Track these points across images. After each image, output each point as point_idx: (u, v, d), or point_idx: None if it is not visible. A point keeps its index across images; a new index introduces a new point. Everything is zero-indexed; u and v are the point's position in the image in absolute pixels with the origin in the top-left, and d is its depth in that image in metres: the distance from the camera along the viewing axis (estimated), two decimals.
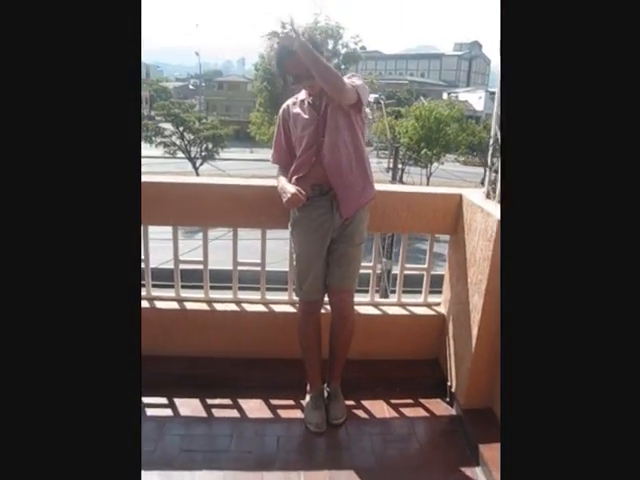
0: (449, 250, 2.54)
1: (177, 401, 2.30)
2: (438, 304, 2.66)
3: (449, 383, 2.41)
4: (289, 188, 2.08)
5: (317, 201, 2.09)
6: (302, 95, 2.12)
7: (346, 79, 1.98)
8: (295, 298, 2.38)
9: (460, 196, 2.41)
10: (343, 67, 23.28)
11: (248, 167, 29.68)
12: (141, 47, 1.06)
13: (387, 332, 2.58)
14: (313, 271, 2.13)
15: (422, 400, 2.39)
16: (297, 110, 2.12)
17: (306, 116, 2.09)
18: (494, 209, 2.08)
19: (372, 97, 16.71)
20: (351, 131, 2.06)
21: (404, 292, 2.70)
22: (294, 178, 2.12)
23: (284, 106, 2.16)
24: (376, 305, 2.64)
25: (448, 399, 2.39)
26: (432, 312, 2.61)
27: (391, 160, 12.67)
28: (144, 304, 2.54)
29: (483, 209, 2.13)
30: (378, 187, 2.37)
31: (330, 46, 22.88)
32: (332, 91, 1.92)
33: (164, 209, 2.39)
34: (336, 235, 2.12)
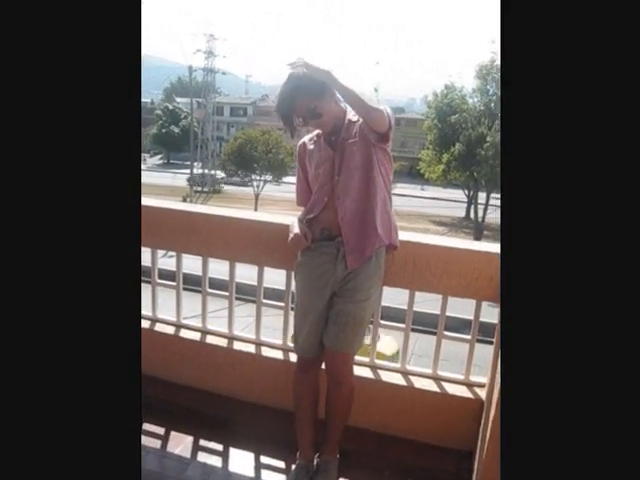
0: (499, 322, 2.08)
1: (172, 434, 2.22)
2: (482, 385, 2.19)
3: None
4: (295, 228, 1.92)
5: (322, 246, 1.87)
6: (318, 130, 1.93)
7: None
8: None
9: None
10: None
11: (420, 205, 29.52)
12: (140, 65, 1.04)
13: (413, 407, 2.19)
14: (308, 324, 1.91)
15: None
16: (312, 147, 1.94)
17: (320, 153, 1.90)
18: None
19: None
20: (370, 172, 1.82)
21: None
22: (305, 219, 1.94)
23: (300, 143, 2.00)
24: (405, 374, 2.27)
25: None
26: (469, 395, 2.16)
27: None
28: (170, 330, 2.55)
29: None
30: (410, 237, 2.06)
31: None
32: (362, 114, 1.75)
33: (191, 237, 2.38)
34: (338, 288, 1.87)
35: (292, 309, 2.09)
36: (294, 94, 1.75)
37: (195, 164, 33.76)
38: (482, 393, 2.15)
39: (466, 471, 2.04)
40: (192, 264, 2.77)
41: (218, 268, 2.59)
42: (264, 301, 2.41)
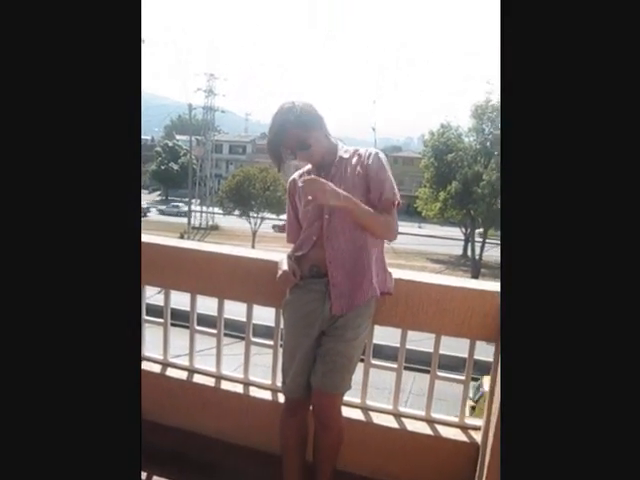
0: (493, 362, 2.03)
1: (155, 479, 2.13)
2: (477, 428, 2.12)
3: None
4: (284, 265, 1.88)
5: (311, 284, 1.84)
6: (309, 166, 1.92)
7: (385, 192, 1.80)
8: None
9: None
10: None
11: (417, 242, 29.40)
12: (140, 101, 1.04)
13: (405, 451, 2.11)
14: (295, 364, 1.85)
15: None
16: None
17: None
18: None
19: None
20: None
21: None
22: (294, 256, 1.91)
23: (290, 179, 1.98)
24: (397, 415, 2.19)
25: None
26: (464, 438, 2.08)
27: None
28: (157, 369, 2.48)
29: None
30: (402, 275, 2.03)
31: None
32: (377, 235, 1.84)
33: (180, 273, 2.35)
34: (326, 327, 1.82)
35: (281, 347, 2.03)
36: (285, 125, 1.75)
37: (193, 201, 33.93)
38: (478, 436, 2.08)
39: None
40: (183, 300, 2.72)
41: (209, 304, 2.53)
42: (255, 340, 2.35)
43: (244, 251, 2.43)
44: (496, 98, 22.03)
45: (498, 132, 22.37)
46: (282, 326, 2.04)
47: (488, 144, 22.85)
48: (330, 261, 1.79)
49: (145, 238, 2.46)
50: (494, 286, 1.99)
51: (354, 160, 1.84)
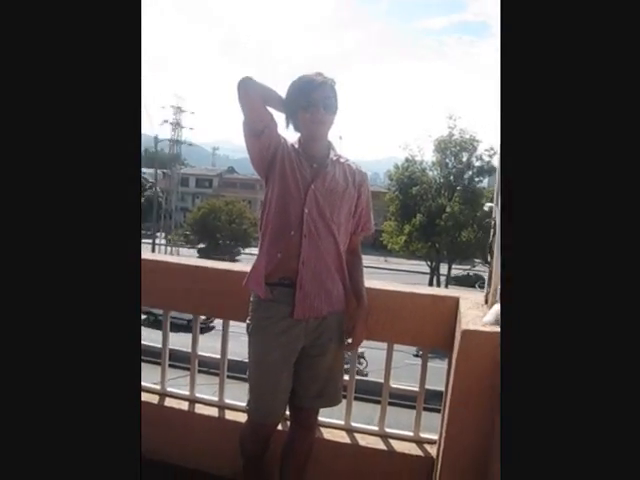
0: (447, 371, 1.97)
1: None
2: (433, 442, 2.03)
3: None
4: None
5: (284, 296, 1.62)
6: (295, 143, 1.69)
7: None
8: None
9: (457, 300, 1.88)
10: (477, 179, 23.04)
11: (383, 276, 29.27)
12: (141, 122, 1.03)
13: (358, 468, 2.00)
14: (281, 386, 1.65)
15: None
16: (292, 153, 1.64)
17: (297, 167, 1.62)
18: (479, 319, 1.56)
19: None
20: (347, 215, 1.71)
21: None
22: (265, 271, 1.64)
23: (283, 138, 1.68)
24: (349, 431, 2.09)
25: None
26: (419, 452, 1.99)
27: None
28: None
29: (462, 319, 1.61)
30: None
31: (464, 159, 22.96)
32: None
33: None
34: (309, 341, 1.65)
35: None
36: (324, 81, 1.60)
37: (158, 234, 33.38)
38: (433, 450, 1.99)
39: None
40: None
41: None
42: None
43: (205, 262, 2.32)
44: (458, 133, 22.78)
45: (461, 166, 23.03)
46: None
47: (451, 177, 23.41)
48: (307, 258, 1.60)
49: None
50: (446, 292, 1.96)
51: (344, 169, 1.70)
